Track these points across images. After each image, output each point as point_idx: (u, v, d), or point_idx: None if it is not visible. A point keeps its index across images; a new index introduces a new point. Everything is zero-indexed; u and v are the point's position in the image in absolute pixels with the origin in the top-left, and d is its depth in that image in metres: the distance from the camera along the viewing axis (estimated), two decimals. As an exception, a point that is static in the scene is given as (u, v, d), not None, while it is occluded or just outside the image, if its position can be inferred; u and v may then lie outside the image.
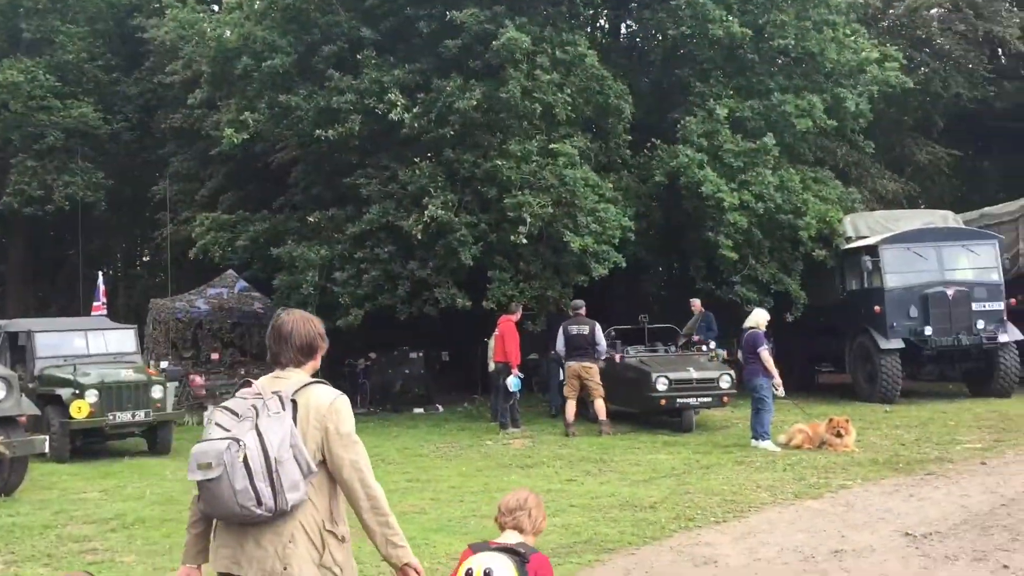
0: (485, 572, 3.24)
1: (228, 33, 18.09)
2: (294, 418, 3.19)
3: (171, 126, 24.08)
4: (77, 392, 12.68)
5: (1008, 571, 6.05)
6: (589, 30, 20.46)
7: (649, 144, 18.40)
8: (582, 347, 13.88)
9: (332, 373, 20.38)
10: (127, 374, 13.32)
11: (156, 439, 13.56)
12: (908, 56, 21.81)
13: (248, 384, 3.35)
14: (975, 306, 15.86)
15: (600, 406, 13.85)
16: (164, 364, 17.04)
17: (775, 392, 11.99)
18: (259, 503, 3.08)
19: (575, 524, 7.70)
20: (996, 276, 16.31)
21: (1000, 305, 16.10)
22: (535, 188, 15.78)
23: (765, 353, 11.85)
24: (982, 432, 12.15)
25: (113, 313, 20.71)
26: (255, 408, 3.18)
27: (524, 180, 15.86)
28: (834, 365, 19.14)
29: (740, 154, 16.91)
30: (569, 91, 16.25)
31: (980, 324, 15.72)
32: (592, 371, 13.83)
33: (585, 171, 16.15)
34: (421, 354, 20.15)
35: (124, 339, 14.69)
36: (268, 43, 17.13)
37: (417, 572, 3.32)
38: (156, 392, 13.32)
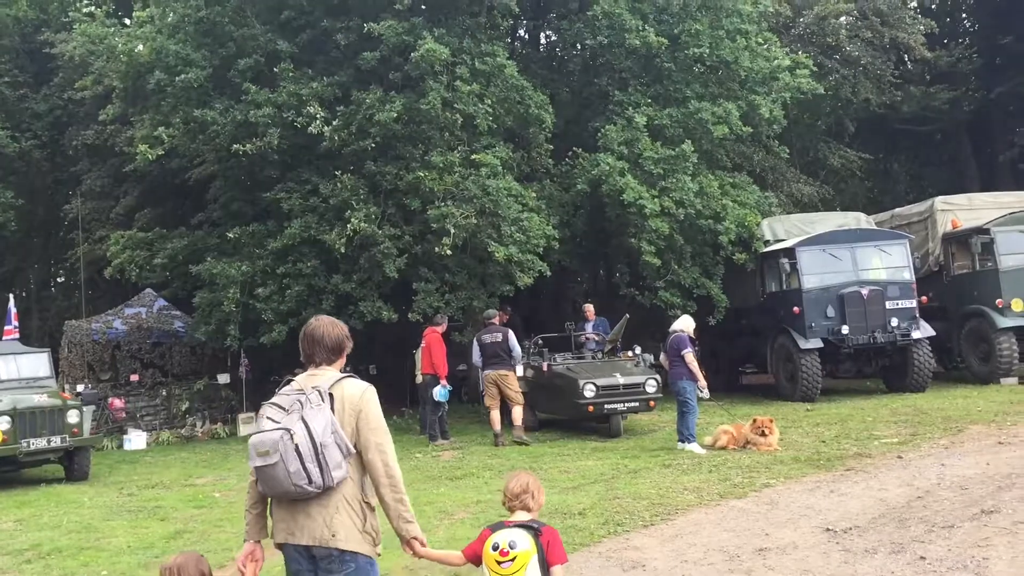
0: (510, 544, 3.93)
1: (140, 47, 17.68)
2: (332, 408, 3.78)
3: (83, 143, 23.48)
4: (-12, 420, 12.24)
5: (924, 562, 6.22)
6: (509, 41, 20.53)
7: (571, 153, 18.55)
8: (497, 355, 14.02)
9: (257, 391, 20.05)
10: (41, 399, 12.90)
11: (73, 465, 13.14)
12: (819, 63, 22.43)
13: (290, 382, 3.96)
14: (889, 304, 16.32)
15: (517, 414, 13.89)
16: (80, 387, 16.57)
17: (700, 394, 12.18)
18: (310, 481, 3.67)
19: (505, 534, 7.68)
20: (908, 275, 16.81)
21: (912, 303, 16.60)
22: (458, 199, 15.75)
23: (690, 356, 12.02)
24: (898, 427, 12.50)
25: (26, 337, 20.07)
26: (300, 402, 3.78)
27: (447, 191, 15.83)
28: (757, 366, 19.52)
29: (660, 161, 17.13)
30: (490, 101, 16.28)
31: (894, 322, 16.19)
32: (508, 378, 13.95)
33: (508, 181, 16.18)
34: (348, 368, 19.93)
35: (37, 363, 14.27)
36: (182, 57, 16.79)
37: (422, 543, 3.96)
38: (72, 417, 12.91)
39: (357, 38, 16.62)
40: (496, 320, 14.54)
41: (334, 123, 16.00)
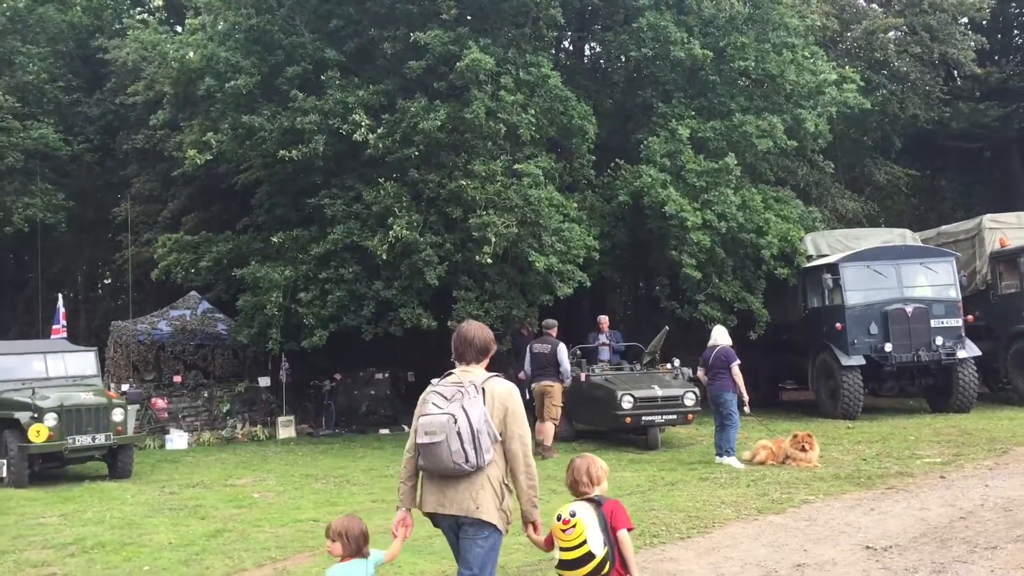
0: (571, 512, 4.39)
1: (191, 54, 18.01)
2: (483, 401, 4.38)
3: (133, 147, 23.93)
4: (36, 416, 12.47)
5: (966, 582, 6.14)
6: (553, 52, 20.61)
7: (613, 164, 18.55)
8: (543, 366, 13.69)
9: (297, 395, 20.26)
10: (87, 397, 13.12)
11: (116, 463, 13.33)
12: (866, 78, 22.19)
13: (450, 374, 4.58)
14: (934, 323, 16.08)
15: (548, 431, 13.48)
16: (125, 387, 16.83)
17: (743, 409, 12.05)
18: (467, 461, 4.31)
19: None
20: (954, 293, 16.56)
21: (958, 322, 16.34)
22: (500, 208, 15.81)
23: (737, 368, 11.90)
24: (941, 447, 12.31)
25: (73, 336, 20.44)
26: (460, 392, 4.40)
27: (489, 200, 15.90)
28: (797, 382, 19.31)
29: (702, 174, 17.08)
30: (533, 112, 16.35)
31: (939, 340, 15.93)
32: (552, 390, 13.52)
33: (550, 191, 16.22)
34: (387, 375, 20.04)
35: (84, 362, 14.49)
36: (231, 64, 17.07)
37: (536, 529, 4.56)
38: (117, 415, 13.12)
39: (403, 47, 16.79)
40: (553, 332, 14.01)
41: (379, 131, 16.16)
